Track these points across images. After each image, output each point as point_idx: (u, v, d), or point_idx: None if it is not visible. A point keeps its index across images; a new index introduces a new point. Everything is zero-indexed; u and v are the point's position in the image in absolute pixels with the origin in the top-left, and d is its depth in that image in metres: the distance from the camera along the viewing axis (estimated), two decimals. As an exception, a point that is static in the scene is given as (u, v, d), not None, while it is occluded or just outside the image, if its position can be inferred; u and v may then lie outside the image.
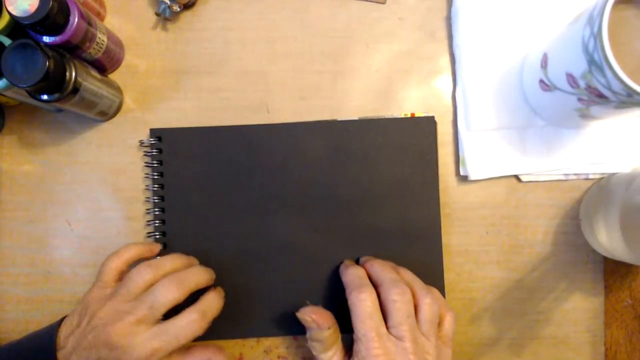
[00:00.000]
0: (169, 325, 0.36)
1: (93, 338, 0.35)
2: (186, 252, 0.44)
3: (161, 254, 0.44)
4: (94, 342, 0.35)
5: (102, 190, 0.46)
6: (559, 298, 0.44)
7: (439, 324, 0.38)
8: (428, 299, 0.37)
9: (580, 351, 0.44)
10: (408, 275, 0.40)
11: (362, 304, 0.36)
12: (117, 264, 0.40)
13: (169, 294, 0.36)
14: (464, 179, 0.45)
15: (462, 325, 0.45)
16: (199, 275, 0.39)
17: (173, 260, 0.40)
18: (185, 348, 0.40)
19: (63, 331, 0.37)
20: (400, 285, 0.36)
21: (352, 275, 0.38)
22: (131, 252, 0.41)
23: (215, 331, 0.43)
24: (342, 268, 0.41)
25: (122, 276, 0.40)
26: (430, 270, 0.43)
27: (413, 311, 0.36)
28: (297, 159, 0.44)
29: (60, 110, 0.46)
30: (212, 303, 0.38)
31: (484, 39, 0.44)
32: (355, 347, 0.35)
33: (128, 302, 0.36)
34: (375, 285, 0.38)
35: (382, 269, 0.39)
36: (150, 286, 0.37)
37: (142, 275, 0.37)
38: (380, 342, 0.34)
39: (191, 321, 0.36)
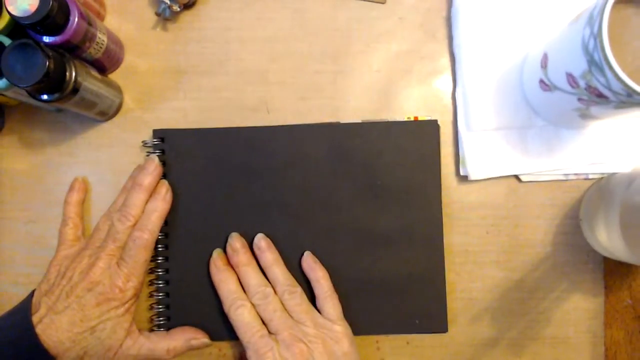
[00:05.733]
0: (125, 254, 0.40)
1: (70, 288, 0.38)
2: (188, 253, 0.44)
3: (163, 254, 0.44)
4: (70, 290, 0.38)
5: (102, 191, 0.46)
6: (559, 298, 0.44)
7: (322, 308, 0.41)
8: (286, 294, 0.40)
9: (580, 351, 0.44)
10: (277, 272, 0.42)
11: (239, 317, 0.40)
12: (72, 222, 0.44)
13: (121, 224, 0.40)
14: (464, 179, 0.45)
15: (462, 325, 0.45)
16: (140, 196, 0.41)
17: (121, 199, 0.43)
18: (166, 332, 0.42)
19: (35, 298, 0.39)
20: (259, 289, 0.40)
21: (225, 290, 0.41)
22: (72, 207, 0.44)
23: (216, 332, 0.44)
24: (214, 277, 0.42)
25: (79, 232, 0.44)
26: (431, 273, 0.43)
27: (279, 306, 0.40)
28: (299, 162, 0.44)
29: (60, 110, 0.46)
30: (149, 213, 0.41)
31: (484, 39, 0.44)
32: (247, 354, 0.40)
33: (98, 246, 0.41)
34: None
35: (247, 275, 0.41)
36: None
37: (104, 222, 0.42)
38: (264, 342, 0.39)
39: (138, 235, 0.40)
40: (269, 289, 0.41)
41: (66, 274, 0.39)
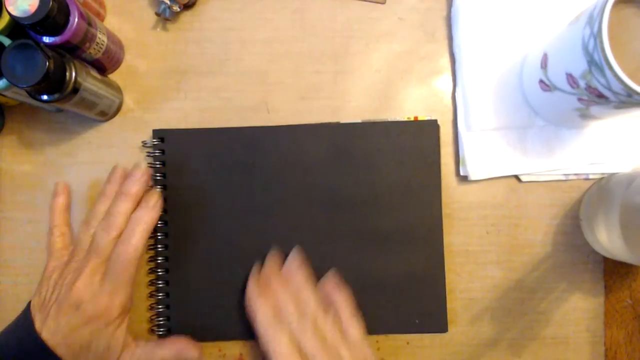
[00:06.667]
0: (108, 270, 0.37)
1: (58, 306, 0.37)
2: (188, 253, 0.44)
3: (163, 254, 0.44)
4: (59, 308, 0.37)
5: (102, 190, 0.46)
6: (559, 298, 0.44)
7: (346, 330, 0.39)
8: (320, 318, 0.39)
9: (580, 351, 0.44)
10: (308, 295, 0.40)
11: (277, 345, 0.37)
12: (59, 230, 0.42)
13: (105, 235, 0.38)
14: (464, 179, 0.45)
15: (462, 325, 0.45)
16: (125, 205, 0.39)
17: (103, 206, 0.40)
18: (160, 341, 0.41)
19: (32, 312, 0.38)
20: (296, 313, 0.38)
21: (263, 314, 0.39)
22: (56, 215, 0.43)
23: (216, 332, 0.44)
24: (252, 296, 0.40)
25: (67, 240, 0.42)
26: (431, 273, 0.43)
27: (316, 329, 0.38)
28: (299, 161, 0.44)
29: (60, 110, 0.46)
30: (134, 224, 0.38)
31: (484, 39, 0.44)
32: None
33: (82, 259, 0.38)
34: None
35: (285, 297, 0.39)
36: None
37: (85, 231, 0.40)
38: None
39: (122, 250, 0.37)
40: (307, 315, 0.39)
41: (55, 290, 0.38)
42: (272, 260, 0.42)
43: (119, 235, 0.38)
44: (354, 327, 0.40)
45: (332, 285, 0.42)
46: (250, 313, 0.40)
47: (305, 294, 0.40)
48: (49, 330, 0.37)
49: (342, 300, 0.40)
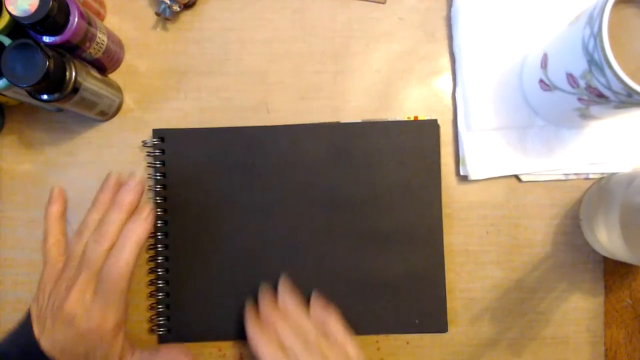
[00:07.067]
0: (100, 284, 0.36)
1: (53, 319, 0.36)
2: (188, 253, 0.44)
3: (163, 254, 0.44)
4: (53, 322, 0.36)
5: (102, 190, 0.46)
6: (559, 298, 0.44)
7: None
8: (322, 339, 0.40)
9: (580, 351, 0.44)
10: (302, 322, 0.41)
11: None
12: (54, 238, 0.42)
13: (97, 246, 0.36)
14: (464, 178, 0.45)
15: (462, 325, 0.45)
16: (118, 216, 0.37)
17: (95, 215, 0.39)
18: (155, 349, 0.41)
19: (32, 319, 0.38)
20: (298, 341, 0.39)
21: (265, 351, 0.39)
22: (51, 222, 0.43)
23: (216, 332, 0.44)
24: (252, 334, 0.40)
25: (61, 248, 0.41)
26: (431, 273, 0.43)
27: (320, 351, 0.39)
28: (300, 161, 0.44)
29: (60, 110, 0.46)
30: (126, 238, 0.37)
31: (484, 39, 0.44)
32: None
33: (73, 271, 0.37)
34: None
35: (285, 331, 0.40)
36: None
37: (77, 241, 0.38)
38: None
39: (113, 263, 0.36)
40: (311, 343, 0.39)
41: (49, 301, 0.37)
42: (265, 296, 0.43)
43: (111, 247, 0.37)
44: (351, 345, 0.40)
45: (321, 307, 0.42)
46: (255, 352, 0.39)
47: (304, 323, 0.40)
48: (47, 342, 0.36)
49: (335, 322, 0.41)
